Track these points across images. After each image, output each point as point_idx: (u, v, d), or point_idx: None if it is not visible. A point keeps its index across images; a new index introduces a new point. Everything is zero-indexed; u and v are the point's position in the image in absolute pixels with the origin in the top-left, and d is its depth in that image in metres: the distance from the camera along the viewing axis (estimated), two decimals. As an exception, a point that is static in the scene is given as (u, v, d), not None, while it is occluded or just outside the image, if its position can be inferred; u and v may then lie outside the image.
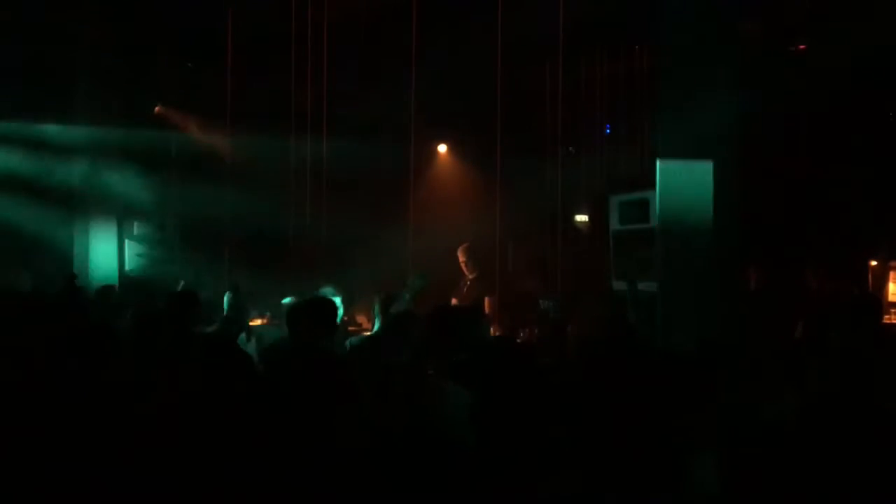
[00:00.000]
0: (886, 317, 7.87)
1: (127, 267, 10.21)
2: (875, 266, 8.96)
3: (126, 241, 10.31)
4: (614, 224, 9.23)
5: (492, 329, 7.26)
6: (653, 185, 6.85)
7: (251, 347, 5.98)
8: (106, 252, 10.01)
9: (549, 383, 2.90)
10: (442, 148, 12.02)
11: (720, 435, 2.58)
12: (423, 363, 4.14)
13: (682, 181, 6.24)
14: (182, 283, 8.62)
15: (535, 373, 2.75)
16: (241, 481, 2.62)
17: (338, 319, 5.32)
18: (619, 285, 8.15)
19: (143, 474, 2.64)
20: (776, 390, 4.62)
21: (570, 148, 10.38)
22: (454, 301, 8.43)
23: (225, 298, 6.99)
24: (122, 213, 10.31)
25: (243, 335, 6.23)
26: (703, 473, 2.12)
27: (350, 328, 7.63)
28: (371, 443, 2.83)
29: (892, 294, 8.93)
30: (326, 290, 6.56)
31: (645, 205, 8.01)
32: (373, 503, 2.55)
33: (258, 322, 8.21)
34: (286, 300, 6.55)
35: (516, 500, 2.38)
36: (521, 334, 8.01)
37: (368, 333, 7.39)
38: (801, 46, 9.24)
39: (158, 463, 2.69)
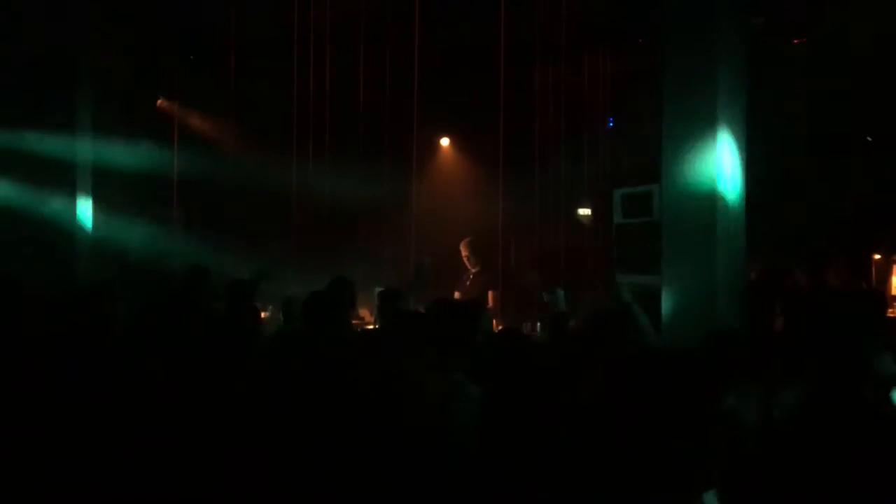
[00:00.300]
0: (890, 310, 7.87)
1: (132, 258, 10.20)
2: (878, 260, 8.94)
3: (132, 233, 10.29)
4: (617, 217, 9.21)
5: (494, 323, 7.26)
6: (656, 179, 6.83)
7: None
8: (110, 244, 10.00)
9: (553, 378, 2.89)
10: (444, 141, 12.00)
11: (723, 433, 2.57)
12: (426, 358, 4.13)
13: (685, 174, 6.22)
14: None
15: (540, 367, 2.73)
16: (242, 481, 2.61)
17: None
18: (621, 279, 8.14)
19: (143, 474, 2.63)
20: (778, 386, 4.61)
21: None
22: (457, 295, 8.44)
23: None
24: (128, 205, 10.30)
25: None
26: (706, 473, 2.12)
27: (353, 321, 7.62)
28: (373, 441, 2.83)
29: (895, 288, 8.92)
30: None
31: (647, 198, 8.00)
32: (376, 503, 2.55)
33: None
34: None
35: (518, 500, 2.38)
36: (525, 328, 8.02)
37: (371, 328, 7.40)
38: (803, 39, 9.21)
39: (158, 462, 2.68)
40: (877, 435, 2.43)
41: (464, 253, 8.69)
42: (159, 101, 10.75)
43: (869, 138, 9.04)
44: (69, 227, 9.95)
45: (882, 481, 2.25)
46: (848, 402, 2.53)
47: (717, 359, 3.54)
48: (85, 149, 9.89)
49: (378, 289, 6.65)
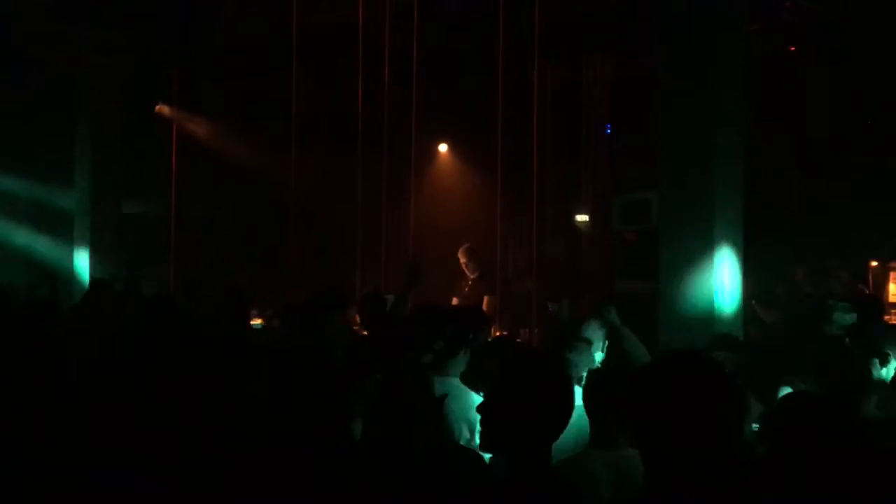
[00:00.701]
0: (886, 317, 7.86)
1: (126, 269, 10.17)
2: (875, 267, 8.96)
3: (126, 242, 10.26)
4: (615, 224, 9.23)
5: (492, 329, 7.25)
6: (654, 186, 6.84)
7: None
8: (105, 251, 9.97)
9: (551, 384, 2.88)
10: (443, 147, 11.98)
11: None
12: (422, 363, 4.12)
13: (684, 182, 6.22)
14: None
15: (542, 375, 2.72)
16: (238, 482, 2.60)
17: None
18: (621, 286, 8.15)
19: (138, 476, 2.62)
20: (776, 388, 4.60)
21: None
22: (455, 301, 8.43)
23: None
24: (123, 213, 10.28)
25: None
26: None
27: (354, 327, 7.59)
28: (371, 445, 2.83)
29: (893, 294, 8.93)
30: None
31: (646, 205, 8.02)
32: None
33: (257, 321, 8.19)
34: None
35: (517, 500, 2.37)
36: (522, 334, 8.02)
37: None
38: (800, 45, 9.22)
39: (153, 462, 2.67)
40: (869, 439, 2.43)
41: (462, 259, 8.69)
42: (158, 106, 10.74)
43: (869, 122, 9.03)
44: (67, 234, 9.95)
45: (871, 485, 2.26)
46: (842, 405, 2.53)
47: (719, 362, 3.52)
48: (84, 150, 9.90)
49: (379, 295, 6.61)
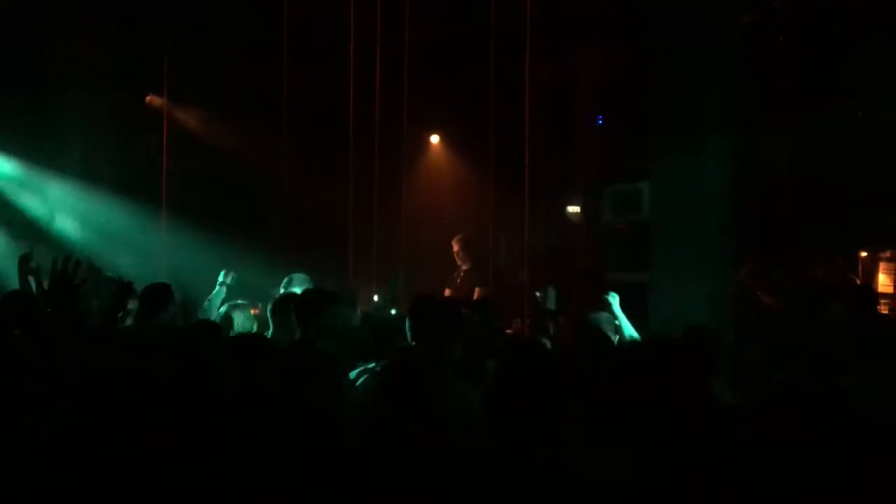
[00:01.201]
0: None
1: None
2: (865, 257, 8.99)
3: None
4: (606, 215, 9.26)
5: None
6: (645, 176, 6.86)
7: None
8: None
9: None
10: (434, 138, 11.96)
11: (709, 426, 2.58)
12: (420, 354, 4.13)
13: (675, 171, 6.24)
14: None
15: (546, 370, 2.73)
16: (234, 483, 2.60)
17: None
18: (612, 276, 8.16)
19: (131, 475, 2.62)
20: (763, 377, 4.63)
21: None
22: (447, 292, 8.45)
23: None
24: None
25: None
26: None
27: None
28: (368, 436, 2.84)
29: (882, 285, 8.96)
30: (298, 277, 6.43)
31: (637, 195, 8.05)
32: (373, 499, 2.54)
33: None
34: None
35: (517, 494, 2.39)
36: (514, 325, 8.04)
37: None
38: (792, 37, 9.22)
39: (147, 463, 2.67)
40: (851, 428, 2.46)
41: (455, 248, 8.70)
42: (148, 97, 10.69)
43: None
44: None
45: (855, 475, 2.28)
46: (828, 395, 2.56)
47: (695, 352, 3.54)
48: (74, 146, 9.86)
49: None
